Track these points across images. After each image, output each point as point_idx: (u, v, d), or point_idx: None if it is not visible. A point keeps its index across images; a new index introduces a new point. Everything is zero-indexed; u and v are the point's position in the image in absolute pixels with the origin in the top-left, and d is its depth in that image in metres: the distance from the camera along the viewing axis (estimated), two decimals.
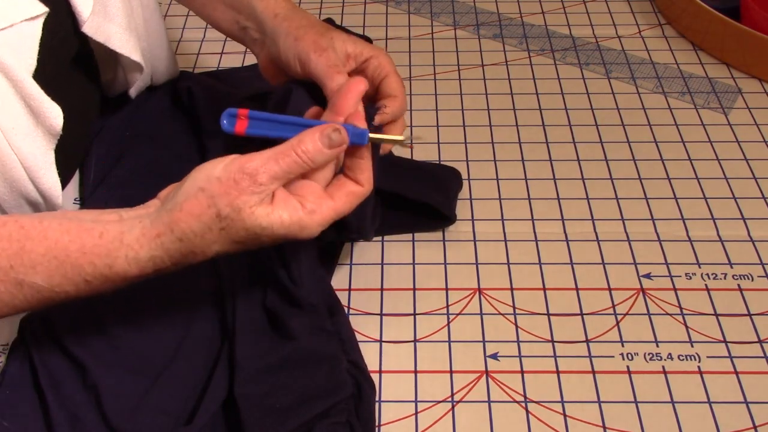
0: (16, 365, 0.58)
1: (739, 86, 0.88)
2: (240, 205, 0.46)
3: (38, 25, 0.56)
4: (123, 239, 0.48)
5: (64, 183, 0.72)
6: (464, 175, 0.75)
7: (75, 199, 0.72)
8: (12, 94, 0.55)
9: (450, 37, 0.96)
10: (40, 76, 0.57)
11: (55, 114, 0.58)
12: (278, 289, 0.59)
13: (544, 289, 0.67)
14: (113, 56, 0.69)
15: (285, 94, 0.59)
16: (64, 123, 0.59)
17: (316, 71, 0.58)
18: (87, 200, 0.70)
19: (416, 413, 0.58)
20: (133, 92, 0.74)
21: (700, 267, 0.69)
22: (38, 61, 0.56)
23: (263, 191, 0.47)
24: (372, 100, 0.61)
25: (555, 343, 0.63)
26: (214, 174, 0.47)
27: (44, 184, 0.60)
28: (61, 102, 0.59)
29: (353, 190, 0.51)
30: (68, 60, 0.65)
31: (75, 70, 0.66)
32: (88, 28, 0.62)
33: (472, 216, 0.73)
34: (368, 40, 0.92)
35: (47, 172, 0.60)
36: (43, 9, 0.56)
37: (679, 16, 0.96)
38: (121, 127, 0.75)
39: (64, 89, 0.64)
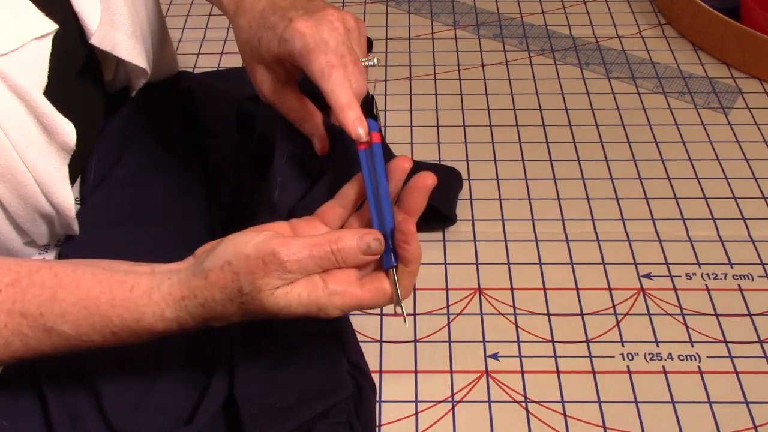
0: (16, 365, 0.58)
1: (739, 86, 0.88)
2: (261, 286, 0.47)
3: (48, 42, 0.56)
4: (152, 296, 0.48)
5: (71, 186, 0.72)
6: (464, 175, 0.75)
7: (75, 200, 0.72)
8: (25, 113, 0.55)
9: (450, 37, 0.96)
10: (50, 90, 0.56)
11: (68, 131, 0.58)
12: None
13: (545, 289, 0.67)
14: (115, 58, 0.69)
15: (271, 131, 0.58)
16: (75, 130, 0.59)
17: (322, 87, 0.52)
18: (87, 200, 0.70)
19: (416, 413, 0.58)
20: (134, 93, 0.74)
21: (700, 267, 0.69)
22: (48, 77, 0.56)
23: (288, 279, 0.47)
24: None
25: (555, 343, 0.63)
26: (244, 251, 0.47)
27: (58, 198, 0.60)
28: (70, 113, 0.59)
29: (385, 289, 0.49)
30: (76, 70, 0.64)
31: (82, 79, 0.66)
32: (95, 39, 0.62)
33: (472, 216, 0.73)
34: (368, 41, 0.93)
35: (60, 187, 0.60)
36: (53, 26, 0.56)
37: (679, 16, 0.96)
38: (121, 127, 0.75)
39: (73, 99, 0.64)
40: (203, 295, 0.48)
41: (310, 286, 0.47)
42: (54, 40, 0.56)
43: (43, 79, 0.56)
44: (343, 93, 0.51)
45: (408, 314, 0.65)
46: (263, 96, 0.57)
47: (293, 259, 0.46)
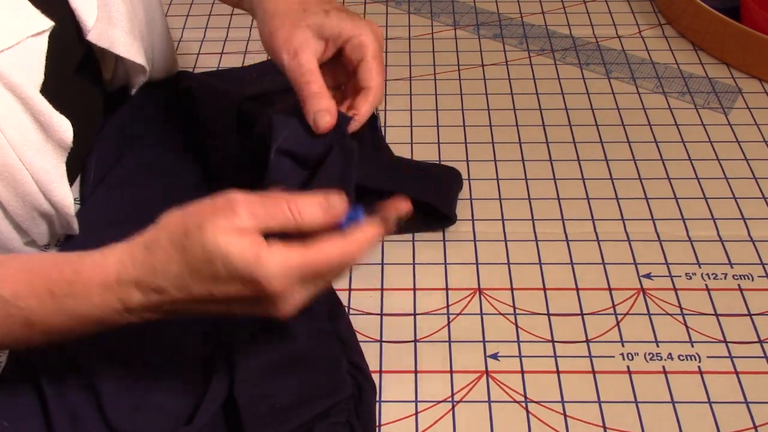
0: (16, 365, 0.58)
1: (739, 86, 0.88)
2: (206, 223, 0.44)
3: (44, 39, 0.56)
4: (97, 252, 0.47)
5: (70, 185, 0.72)
6: (464, 175, 0.75)
7: (75, 199, 0.72)
8: (21, 110, 0.55)
9: (450, 37, 0.96)
10: (47, 88, 0.56)
11: (64, 128, 0.58)
12: None
13: (544, 289, 0.67)
14: (114, 56, 0.69)
15: (267, 126, 0.58)
16: (73, 127, 0.59)
17: (289, 76, 0.56)
18: (87, 200, 0.70)
19: (416, 413, 0.58)
20: (134, 91, 0.74)
21: (700, 267, 0.69)
22: (45, 74, 0.56)
23: (236, 221, 0.44)
24: (348, 80, 0.59)
25: (555, 343, 0.63)
26: (200, 202, 0.46)
27: (56, 196, 0.60)
28: (67, 110, 0.59)
29: (333, 245, 0.46)
30: (74, 68, 0.64)
31: (80, 76, 0.66)
32: (92, 36, 0.62)
33: (472, 216, 0.73)
34: None
35: (59, 185, 0.60)
36: (49, 23, 0.56)
37: (679, 16, 0.96)
38: (121, 126, 0.75)
39: (71, 97, 0.64)
40: (149, 238, 0.46)
41: (255, 242, 0.44)
42: (50, 37, 0.56)
43: (39, 77, 0.56)
44: (381, 82, 0.55)
45: (406, 314, 0.65)
46: (291, 58, 0.55)
47: (245, 204, 0.45)
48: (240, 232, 0.44)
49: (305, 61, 0.55)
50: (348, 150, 0.56)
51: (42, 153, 0.57)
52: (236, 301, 0.46)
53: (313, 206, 0.46)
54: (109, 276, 0.46)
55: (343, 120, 0.57)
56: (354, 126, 0.56)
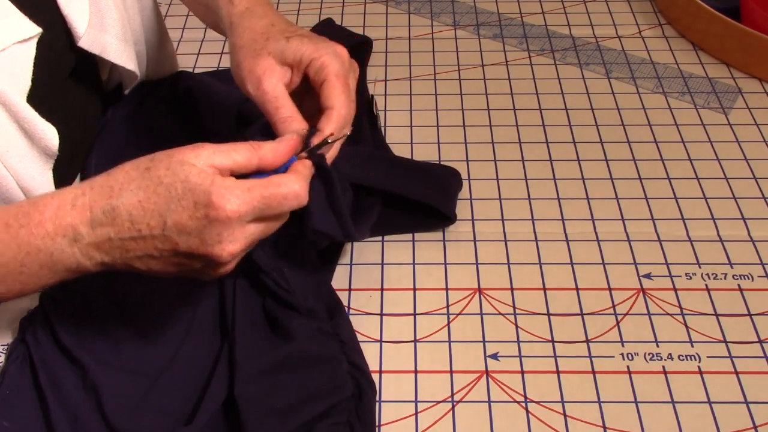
0: (16, 365, 0.58)
1: (739, 86, 0.88)
2: (174, 153, 0.47)
3: (31, 46, 0.55)
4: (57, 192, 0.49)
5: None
6: (464, 175, 0.75)
7: None
8: (5, 117, 0.54)
9: (450, 37, 0.96)
10: (35, 94, 0.56)
11: (50, 135, 0.57)
12: (275, 295, 0.59)
13: (544, 289, 0.67)
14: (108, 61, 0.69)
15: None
16: (65, 133, 0.58)
17: (259, 107, 0.55)
18: None
19: (416, 413, 0.58)
20: (127, 92, 0.74)
21: (700, 267, 0.69)
22: (33, 80, 0.55)
23: (202, 152, 0.47)
24: (316, 108, 0.57)
25: (555, 343, 0.63)
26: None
27: None
28: (60, 114, 0.58)
29: (279, 180, 0.48)
30: (67, 73, 0.64)
31: (74, 80, 0.66)
32: (84, 42, 0.61)
33: (472, 216, 0.73)
34: (368, 41, 0.93)
35: (44, 191, 0.59)
36: (36, 30, 0.55)
37: (679, 16, 0.96)
38: (121, 126, 0.75)
39: (64, 101, 0.63)
40: (114, 168, 0.48)
41: (215, 172, 0.47)
42: (39, 43, 0.56)
43: (26, 83, 0.55)
44: (345, 101, 0.54)
45: (406, 314, 0.65)
46: (256, 88, 0.55)
47: (211, 144, 0.47)
48: (205, 163, 0.47)
49: (270, 89, 0.54)
50: (318, 166, 0.54)
51: (27, 160, 0.57)
52: (185, 230, 0.47)
53: (270, 141, 0.49)
54: (65, 200, 0.48)
55: (310, 137, 0.54)
56: (315, 139, 0.53)
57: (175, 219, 0.46)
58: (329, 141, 0.52)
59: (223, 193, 0.46)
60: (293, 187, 0.48)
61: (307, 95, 0.57)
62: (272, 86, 0.54)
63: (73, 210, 0.47)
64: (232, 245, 0.47)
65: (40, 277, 0.49)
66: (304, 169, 0.51)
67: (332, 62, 0.54)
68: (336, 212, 0.56)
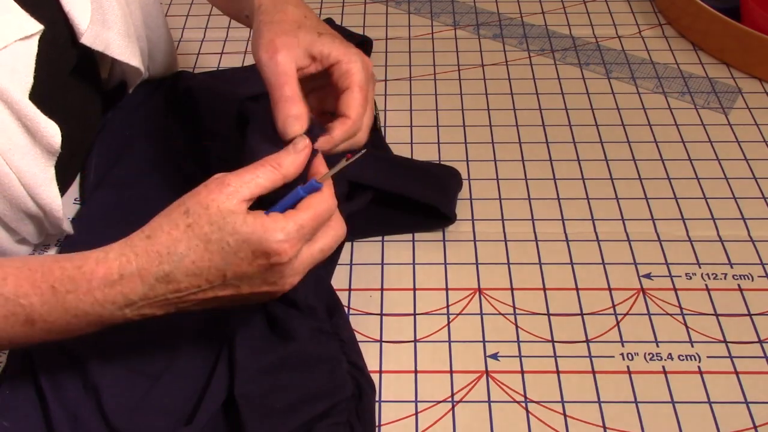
0: (16, 365, 0.58)
1: (739, 86, 0.88)
2: (208, 202, 0.47)
3: (33, 43, 0.55)
4: (98, 249, 0.48)
5: (67, 186, 0.71)
6: (464, 175, 0.75)
7: (75, 200, 0.72)
8: (7, 114, 0.54)
9: (450, 37, 0.96)
10: (38, 91, 0.56)
11: (52, 132, 0.57)
12: None
13: (544, 289, 0.67)
14: (110, 57, 0.69)
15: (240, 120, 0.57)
16: (65, 132, 0.58)
17: (265, 77, 0.54)
18: (87, 200, 0.70)
19: (416, 413, 0.58)
20: (131, 90, 0.74)
21: (700, 267, 0.69)
22: (35, 77, 0.55)
23: (230, 191, 0.47)
24: (330, 111, 0.57)
25: (555, 343, 0.63)
26: (193, 189, 0.48)
27: (44, 199, 0.59)
28: (61, 112, 0.58)
29: (312, 202, 0.50)
30: (68, 70, 0.64)
31: (75, 77, 0.66)
32: (86, 39, 0.61)
33: (472, 216, 0.73)
34: (368, 41, 0.93)
35: (47, 188, 0.59)
36: (38, 27, 0.55)
37: (679, 16, 0.96)
38: (121, 126, 0.75)
39: (66, 99, 0.63)
40: (150, 227, 0.47)
41: (256, 213, 0.47)
42: (41, 40, 0.56)
43: (28, 81, 0.55)
44: (361, 114, 0.55)
45: (406, 314, 0.65)
46: (269, 57, 0.54)
47: (232, 174, 0.48)
48: (239, 202, 0.47)
49: (282, 62, 0.53)
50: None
51: (29, 157, 0.57)
52: (246, 276, 0.48)
53: (287, 153, 0.50)
54: (111, 269, 0.47)
55: (315, 131, 0.53)
56: (324, 143, 0.53)
57: (234, 270, 0.47)
58: (347, 161, 0.52)
59: (278, 238, 0.47)
60: (328, 204, 0.50)
61: (312, 92, 0.58)
62: (286, 62, 0.54)
63: (122, 280, 0.47)
64: (293, 278, 0.50)
65: (85, 330, 0.50)
66: (325, 175, 0.51)
67: (359, 72, 0.54)
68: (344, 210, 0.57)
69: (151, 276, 0.47)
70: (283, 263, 0.47)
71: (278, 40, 0.54)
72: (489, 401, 0.59)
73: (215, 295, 0.49)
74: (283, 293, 0.51)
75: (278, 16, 0.56)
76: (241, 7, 0.64)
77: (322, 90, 0.58)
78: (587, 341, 0.63)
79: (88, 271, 0.47)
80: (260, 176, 0.48)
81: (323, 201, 0.50)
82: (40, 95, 0.56)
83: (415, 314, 0.65)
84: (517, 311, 0.65)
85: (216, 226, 0.46)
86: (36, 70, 0.56)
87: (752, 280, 0.68)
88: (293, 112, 0.52)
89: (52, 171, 0.59)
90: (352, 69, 0.54)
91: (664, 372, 0.61)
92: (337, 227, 0.51)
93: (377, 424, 0.57)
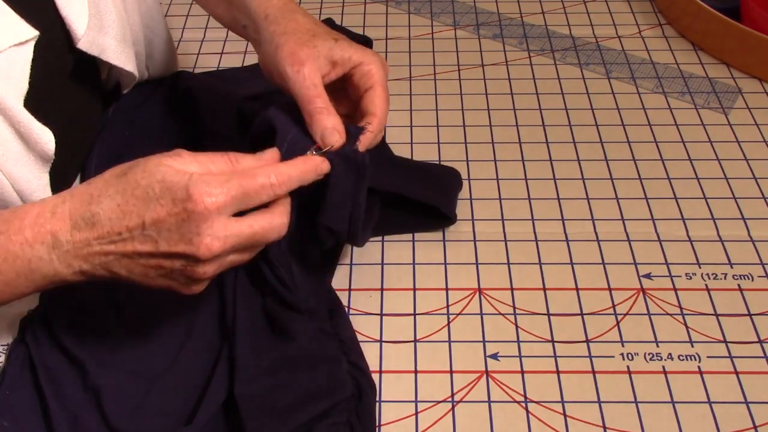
0: (16, 365, 0.58)
1: (739, 86, 0.88)
2: (153, 159, 0.48)
3: (28, 48, 0.55)
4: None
5: (67, 187, 0.71)
6: (464, 175, 0.75)
7: None
8: (1, 121, 0.54)
9: (450, 37, 0.96)
10: (33, 97, 0.56)
11: (46, 139, 0.57)
12: (276, 294, 0.59)
13: (544, 289, 0.67)
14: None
15: (264, 125, 0.58)
16: (65, 134, 0.58)
17: (293, 90, 0.56)
18: None
19: (416, 413, 0.58)
20: (125, 91, 0.74)
21: (700, 267, 0.69)
22: (31, 82, 0.55)
23: (178, 158, 0.48)
24: (354, 112, 0.59)
25: (555, 343, 0.63)
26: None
27: None
28: (59, 115, 0.58)
29: (257, 173, 0.50)
30: (65, 75, 0.64)
31: (74, 81, 0.66)
32: (83, 44, 0.61)
33: (472, 216, 0.73)
34: (368, 41, 0.93)
35: (41, 195, 0.59)
36: (33, 33, 0.55)
37: (679, 16, 0.96)
38: (122, 126, 0.75)
39: (63, 101, 0.63)
40: (94, 180, 0.49)
41: (191, 171, 0.48)
42: (37, 45, 0.55)
43: (23, 87, 0.55)
44: (386, 110, 0.56)
45: (406, 314, 0.65)
46: (296, 71, 0.55)
47: (190, 152, 0.49)
48: (181, 166, 0.47)
49: (309, 75, 0.55)
50: (360, 164, 0.55)
51: (22, 164, 0.57)
52: (165, 227, 0.47)
53: (252, 157, 0.51)
54: (45, 208, 0.48)
55: (351, 131, 0.56)
56: (366, 141, 0.56)
57: (153, 217, 0.47)
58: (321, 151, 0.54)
59: (200, 186, 0.46)
60: (270, 180, 0.49)
61: (333, 94, 0.58)
62: (313, 73, 0.55)
63: (53, 217, 0.48)
64: (211, 240, 0.47)
65: (17, 285, 0.49)
66: (288, 167, 0.51)
67: (379, 71, 0.57)
68: (354, 212, 0.57)
69: (78, 216, 0.48)
70: (200, 212, 0.46)
71: (301, 52, 0.55)
72: (489, 401, 0.59)
73: (134, 249, 0.48)
74: (202, 267, 0.48)
75: (291, 25, 0.58)
76: (238, 17, 0.64)
77: (337, 94, 0.60)
78: (587, 341, 0.63)
79: (22, 212, 0.48)
80: (213, 162, 0.49)
81: (265, 173, 0.49)
82: (36, 100, 0.56)
83: (415, 314, 0.65)
84: (517, 311, 0.65)
85: (147, 173, 0.47)
86: (32, 75, 0.55)
87: (752, 280, 0.68)
88: (329, 125, 0.54)
89: (47, 177, 0.59)
90: (373, 69, 0.57)
91: (664, 372, 0.61)
92: (276, 214, 0.50)
93: (377, 424, 0.57)
